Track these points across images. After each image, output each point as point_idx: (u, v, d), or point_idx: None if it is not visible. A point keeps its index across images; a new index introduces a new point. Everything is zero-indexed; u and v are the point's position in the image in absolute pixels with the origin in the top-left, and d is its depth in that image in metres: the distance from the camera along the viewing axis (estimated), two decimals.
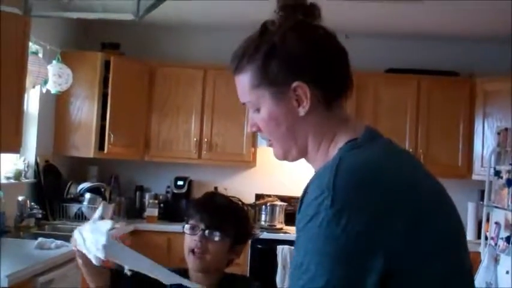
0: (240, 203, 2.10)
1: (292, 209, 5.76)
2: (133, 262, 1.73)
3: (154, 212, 5.61)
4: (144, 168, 6.01)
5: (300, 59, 1.24)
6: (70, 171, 5.72)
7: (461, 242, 1.20)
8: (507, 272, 4.27)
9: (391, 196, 1.10)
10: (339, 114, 1.28)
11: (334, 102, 1.27)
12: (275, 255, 5.11)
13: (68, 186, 5.32)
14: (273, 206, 5.60)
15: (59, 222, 5.09)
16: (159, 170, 5.98)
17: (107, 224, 1.77)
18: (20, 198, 4.58)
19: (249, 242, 2.16)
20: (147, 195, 5.84)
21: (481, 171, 5.31)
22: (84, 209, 5.19)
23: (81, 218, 5.17)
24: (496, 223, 4.57)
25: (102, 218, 1.82)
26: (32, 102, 5.07)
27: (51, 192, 5.17)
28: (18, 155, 4.72)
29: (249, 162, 5.79)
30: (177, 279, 1.74)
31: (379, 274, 1.04)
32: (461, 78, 5.72)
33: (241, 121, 5.66)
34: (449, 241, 1.17)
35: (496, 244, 4.51)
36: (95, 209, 5.43)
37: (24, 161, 4.91)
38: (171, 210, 5.74)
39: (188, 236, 1.97)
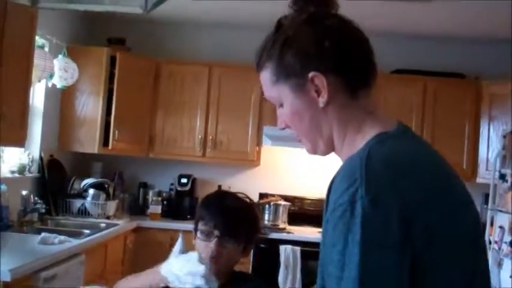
0: (248, 200, 2.09)
1: (295, 209, 5.76)
2: None
3: (158, 209, 5.61)
4: (148, 165, 6.01)
5: (314, 47, 1.22)
6: (74, 167, 5.72)
7: (480, 239, 1.21)
8: (511, 276, 4.25)
9: (425, 186, 1.11)
10: (364, 104, 1.27)
11: (359, 91, 1.25)
12: (278, 255, 5.10)
13: (71, 181, 5.33)
14: (277, 206, 5.59)
15: (62, 217, 5.09)
16: (163, 167, 5.98)
17: (194, 255, 1.89)
18: (24, 192, 4.58)
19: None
20: (150, 192, 5.84)
21: (485, 175, 5.29)
22: (87, 205, 5.20)
23: (85, 213, 5.17)
24: (500, 227, 4.55)
25: (182, 251, 1.95)
26: (37, 96, 5.07)
27: (55, 187, 5.17)
28: (23, 149, 4.72)
29: (253, 161, 5.78)
30: None
31: (412, 261, 1.05)
32: (467, 81, 5.70)
33: (246, 119, 5.65)
34: (471, 238, 1.17)
35: (499, 248, 4.49)
36: (99, 204, 5.39)
37: (28, 155, 4.91)
38: (175, 207, 5.74)
39: (201, 241, 1.96)
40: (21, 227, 4.41)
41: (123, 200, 5.69)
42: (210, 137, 5.68)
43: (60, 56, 4.92)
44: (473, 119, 5.58)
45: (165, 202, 5.75)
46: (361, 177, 1.07)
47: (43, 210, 4.72)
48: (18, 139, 3.98)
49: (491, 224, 4.75)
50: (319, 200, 5.78)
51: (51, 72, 4.69)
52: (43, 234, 3.87)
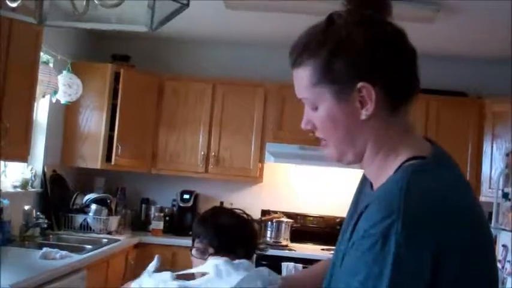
0: (245, 216, 2.08)
1: (298, 226, 5.74)
2: None
3: (160, 225, 5.61)
4: (151, 181, 6.01)
5: (368, 57, 1.15)
6: (77, 182, 5.73)
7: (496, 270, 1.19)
8: None
9: (460, 235, 1.07)
10: (402, 121, 1.22)
11: (400, 107, 1.20)
12: (280, 272, 5.07)
13: (74, 196, 5.33)
14: (279, 223, 5.58)
15: (64, 232, 5.09)
16: (166, 183, 5.98)
17: (167, 274, 1.84)
18: (26, 207, 4.58)
19: (254, 257, 2.14)
20: (152, 208, 5.83)
21: (488, 193, 5.27)
22: (89, 220, 5.19)
23: (87, 229, 5.17)
24: (503, 246, 4.53)
25: (156, 270, 1.91)
26: (41, 111, 5.09)
27: (57, 202, 5.17)
28: (26, 164, 4.73)
29: (255, 178, 5.78)
30: None
31: None
32: (469, 99, 5.70)
33: (249, 136, 5.66)
34: (490, 275, 1.15)
35: (503, 267, 4.47)
36: (101, 220, 5.37)
37: (31, 170, 4.92)
38: (177, 223, 5.73)
39: (197, 259, 1.95)
40: (22, 241, 4.41)
41: (125, 216, 5.69)
42: (213, 154, 5.68)
43: (64, 72, 4.95)
44: (476, 138, 5.57)
45: (167, 218, 5.74)
46: (399, 211, 1.02)
47: (45, 225, 4.71)
48: (22, 154, 3.98)
49: (494, 243, 4.73)
50: (322, 218, 5.76)
51: (56, 88, 4.71)
52: (44, 249, 3.87)
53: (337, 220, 5.54)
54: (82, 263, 3.99)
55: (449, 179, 1.16)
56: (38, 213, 4.70)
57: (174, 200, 5.90)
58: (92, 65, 5.48)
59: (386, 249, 1.00)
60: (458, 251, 1.05)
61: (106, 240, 4.90)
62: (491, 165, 5.42)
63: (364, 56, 1.15)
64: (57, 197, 5.18)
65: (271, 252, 5.18)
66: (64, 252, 3.88)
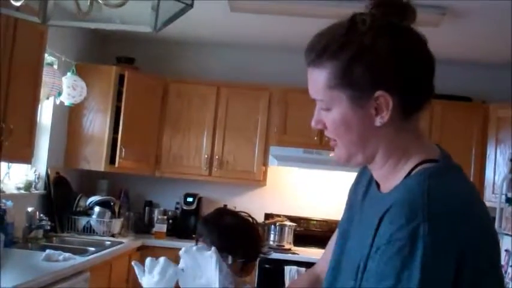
0: (250, 219, 2.08)
1: (301, 230, 5.74)
2: None
3: (163, 228, 5.60)
4: (154, 184, 6.01)
5: (389, 66, 1.15)
6: (80, 184, 5.73)
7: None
8: None
9: (480, 236, 1.10)
10: (414, 127, 1.23)
11: (413, 113, 1.22)
12: (283, 276, 5.07)
13: (77, 199, 5.32)
14: (282, 226, 5.57)
15: (68, 234, 5.09)
16: (169, 186, 5.98)
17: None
18: (30, 209, 4.58)
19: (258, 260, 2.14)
20: (156, 211, 5.83)
21: (492, 198, 5.26)
22: (92, 222, 5.19)
23: (90, 231, 5.17)
24: (506, 250, 4.52)
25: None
26: (45, 113, 5.09)
27: (61, 205, 5.17)
28: (29, 165, 4.73)
29: (259, 181, 5.77)
30: None
31: None
32: (474, 104, 5.69)
33: (252, 139, 5.66)
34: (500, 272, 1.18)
35: (506, 272, 4.46)
36: (104, 222, 5.38)
37: (35, 172, 4.92)
38: (180, 226, 5.73)
39: None
40: (26, 243, 4.41)
41: (129, 218, 5.69)
42: (217, 157, 5.68)
43: (68, 74, 4.95)
44: (480, 143, 5.56)
45: (170, 221, 5.73)
46: (424, 215, 1.04)
47: (48, 227, 4.71)
48: (25, 156, 3.99)
49: None
50: (325, 221, 5.76)
51: (60, 89, 4.71)
52: (47, 251, 3.86)
53: None
54: (85, 265, 3.99)
55: (462, 184, 1.19)
56: (41, 215, 4.70)
57: (178, 203, 5.89)
58: (97, 67, 5.49)
59: (415, 252, 1.02)
60: (478, 255, 1.07)
61: (109, 242, 4.90)
62: (495, 170, 5.41)
63: (386, 65, 1.15)
64: (60, 199, 5.17)
65: (274, 255, 5.18)
66: (67, 255, 3.88)
